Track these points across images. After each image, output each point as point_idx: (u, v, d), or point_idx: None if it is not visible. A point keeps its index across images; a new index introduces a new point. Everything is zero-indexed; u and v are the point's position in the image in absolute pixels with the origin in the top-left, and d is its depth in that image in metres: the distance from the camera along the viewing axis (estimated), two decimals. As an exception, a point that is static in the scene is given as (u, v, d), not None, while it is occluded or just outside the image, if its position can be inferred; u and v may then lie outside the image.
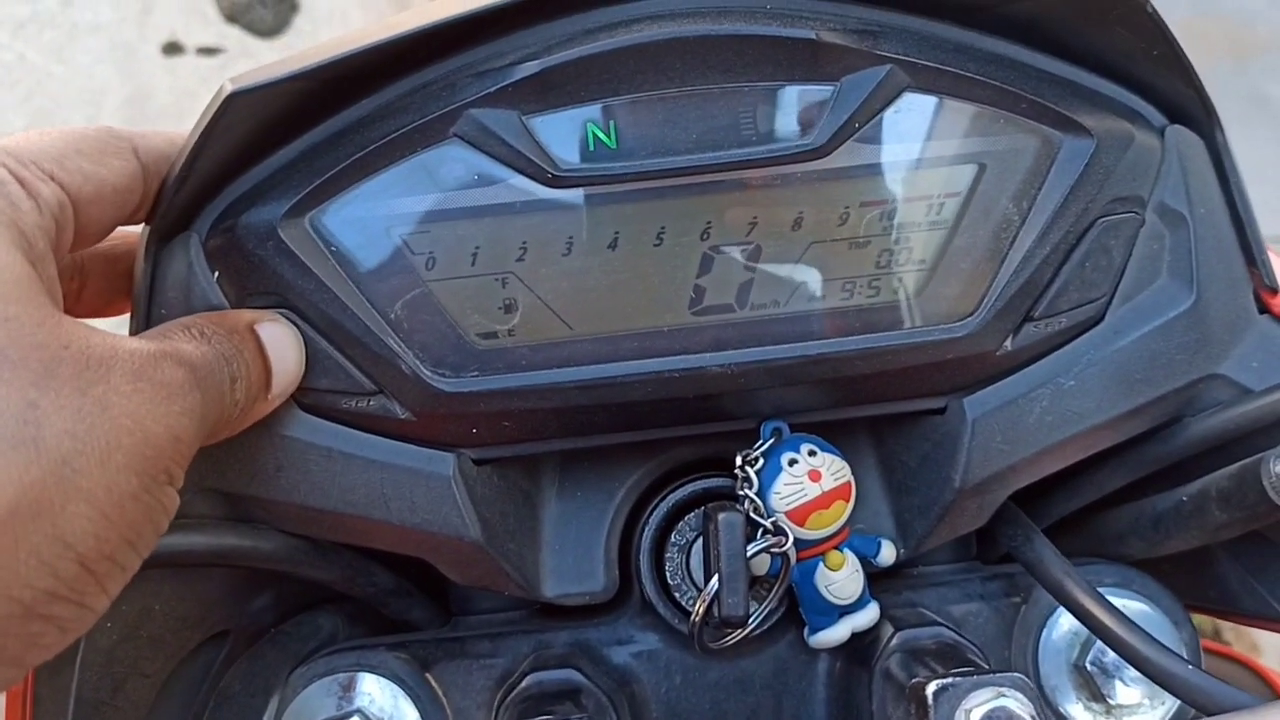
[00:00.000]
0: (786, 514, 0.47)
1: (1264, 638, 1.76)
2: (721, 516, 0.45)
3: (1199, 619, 0.56)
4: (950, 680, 0.39)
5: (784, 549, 0.46)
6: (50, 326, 0.34)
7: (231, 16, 2.95)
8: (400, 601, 0.53)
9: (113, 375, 0.34)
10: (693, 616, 0.46)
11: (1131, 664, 0.45)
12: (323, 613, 0.55)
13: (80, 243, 0.41)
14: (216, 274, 0.45)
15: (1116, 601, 0.48)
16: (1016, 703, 0.38)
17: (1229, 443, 0.48)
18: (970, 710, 0.38)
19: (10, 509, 0.31)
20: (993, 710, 0.37)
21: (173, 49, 2.84)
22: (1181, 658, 0.44)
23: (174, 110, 2.74)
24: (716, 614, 0.45)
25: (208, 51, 2.88)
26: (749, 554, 0.45)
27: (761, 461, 0.48)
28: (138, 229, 0.46)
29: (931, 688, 0.39)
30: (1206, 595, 0.56)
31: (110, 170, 0.41)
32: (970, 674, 0.40)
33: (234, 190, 0.45)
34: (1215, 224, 0.48)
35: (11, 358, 0.32)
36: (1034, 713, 0.38)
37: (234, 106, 0.41)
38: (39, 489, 0.31)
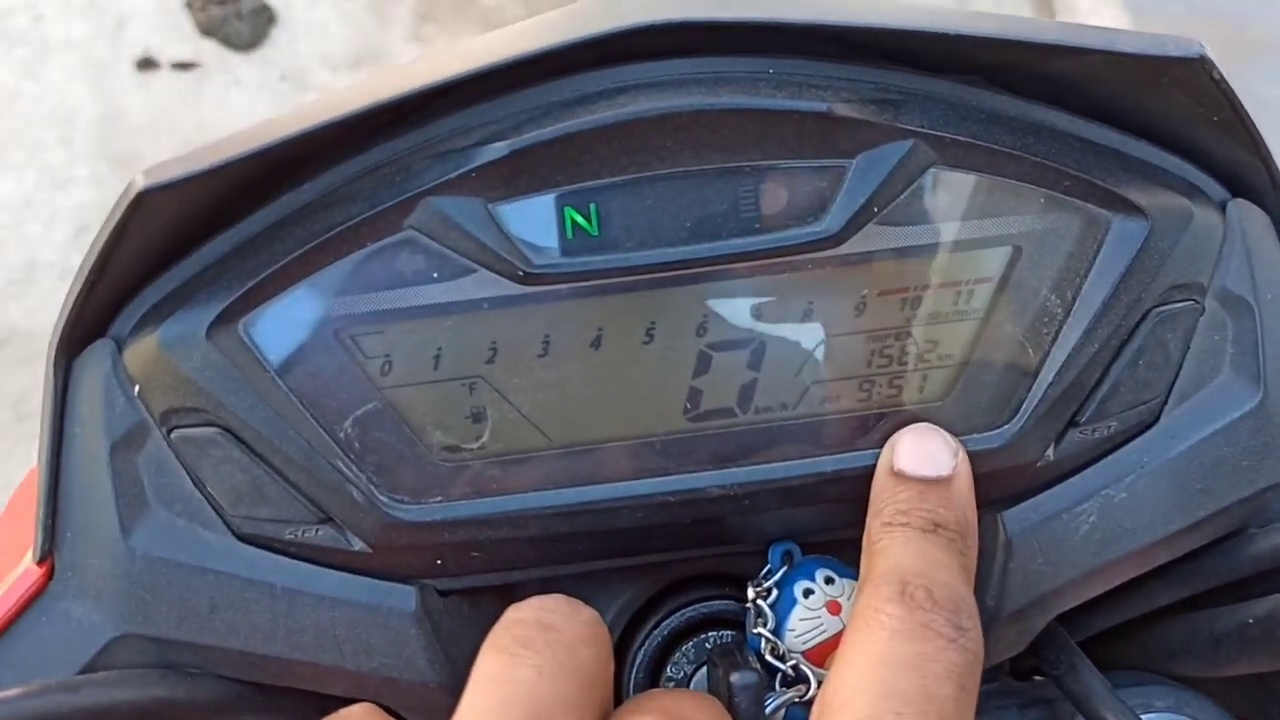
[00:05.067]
0: (804, 654, 0.41)
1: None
2: (735, 678, 0.38)
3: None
4: None
5: (805, 698, 0.40)
6: None
7: (207, 30, 2.88)
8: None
9: None
10: None
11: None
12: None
13: None
14: (137, 388, 0.39)
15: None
16: None
17: None
18: None
19: None
20: None
21: (147, 64, 2.77)
22: None
23: (149, 129, 2.67)
24: None
25: (183, 66, 2.82)
26: (768, 710, 0.39)
27: (775, 592, 0.42)
28: None
29: None
30: (1269, 715, 0.50)
31: None
32: None
33: (156, 290, 0.39)
34: None
35: None
36: None
37: (146, 205, 0.35)
38: None
